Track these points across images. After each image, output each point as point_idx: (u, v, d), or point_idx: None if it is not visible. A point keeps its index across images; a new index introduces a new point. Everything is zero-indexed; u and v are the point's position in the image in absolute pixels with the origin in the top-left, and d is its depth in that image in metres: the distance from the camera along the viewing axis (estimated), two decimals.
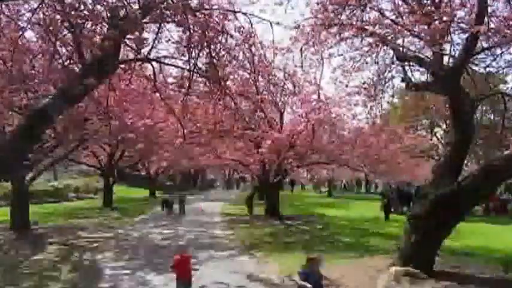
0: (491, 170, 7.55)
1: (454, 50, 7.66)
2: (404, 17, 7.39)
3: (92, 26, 6.96)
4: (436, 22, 6.61)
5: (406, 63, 8.24)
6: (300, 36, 8.06)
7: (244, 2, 7.38)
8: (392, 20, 7.48)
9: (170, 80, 12.06)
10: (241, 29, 7.42)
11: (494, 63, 8.92)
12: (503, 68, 9.64)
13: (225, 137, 15.92)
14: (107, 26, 6.82)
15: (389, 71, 8.64)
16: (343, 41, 8.06)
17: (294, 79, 15.08)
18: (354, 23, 7.66)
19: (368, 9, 7.71)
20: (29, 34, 8.88)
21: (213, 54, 7.35)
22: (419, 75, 9.20)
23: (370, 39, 7.85)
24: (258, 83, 13.96)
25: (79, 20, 6.66)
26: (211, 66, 7.48)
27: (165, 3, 6.60)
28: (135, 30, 6.59)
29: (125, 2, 6.61)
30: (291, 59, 10.63)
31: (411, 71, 8.48)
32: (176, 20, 6.98)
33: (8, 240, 11.45)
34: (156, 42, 7.32)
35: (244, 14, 7.34)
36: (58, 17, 7.06)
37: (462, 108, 7.67)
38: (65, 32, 7.40)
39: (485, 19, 6.91)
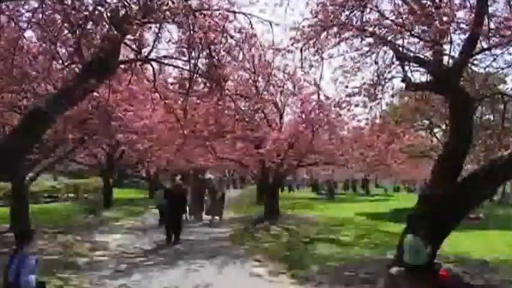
0: (491, 170, 7.56)
1: (454, 50, 7.68)
2: (404, 18, 7.40)
3: (92, 26, 6.97)
4: (436, 22, 6.62)
5: (406, 63, 8.24)
6: (299, 36, 8.07)
7: (244, 3, 7.40)
8: (392, 21, 7.49)
9: (170, 80, 12.09)
10: (242, 29, 7.44)
11: (494, 64, 8.95)
12: (503, 69, 9.68)
13: (225, 137, 15.95)
14: (107, 26, 6.84)
15: (389, 72, 8.65)
16: (343, 41, 8.07)
17: (293, 79, 15.10)
18: (354, 23, 7.68)
19: (368, 9, 7.73)
20: (29, 34, 8.89)
21: (213, 55, 7.37)
22: (419, 75, 9.20)
23: (370, 40, 7.87)
24: (257, 84, 13.99)
25: (79, 20, 6.67)
26: (211, 66, 7.50)
27: (165, 3, 6.61)
28: (135, 30, 6.60)
29: (125, 3, 6.63)
30: (290, 59, 10.64)
31: (411, 71, 8.50)
32: (176, 20, 7.00)
33: None
34: (157, 42, 7.35)
35: (244, 14, 7.36)
36: (58, 17, 7.08)
37: (462, 108, 7.68)
38: (65, 32, 7.41)
39: (485, 20, 6.92)
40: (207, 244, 12.47)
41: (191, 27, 6.93)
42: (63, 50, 8.19)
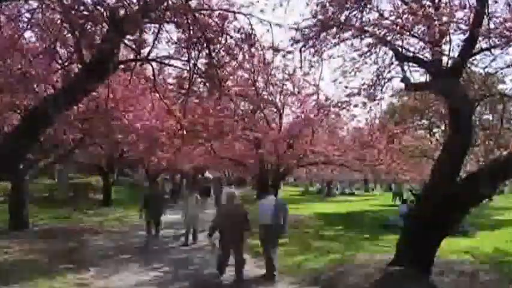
0: (491, 170, 7.58)
1: (453, 50, 7.70)
2: (403, 18, 7.41)
3: (92, 26, 6.98)
4: (436, 23, 6.64)
5: (406, 63, 8.26)
6: (299, 37, 8.08)
7: (244, 3, 7.41)
8: (391, 21, 7.50)
9: (170, 80, 12.10)
10: (241, 29, 7.44)
11: (493, 64, 8.98)
12: (502, 69, 9.68)
13: (225, 137, 15.96)
14: (106, 26, 6.84)
15: (389, 72, 8.66)
16: (343, 42, 8.07)
17: (293, 79, 15.12)
18: (354, 23, 7.68)
19: (367, 9, 7.74)
20: (29, 34, 8.91)
21: (213, 55, 7.38)
22: (418, 75, 9.24)
23: (370, 40, 7.88)
24: (257, 84, 13.99)
25: (79, 20, 6.68)
26: (210, 66, 7.51)
27: (165, 3, 6.62)
28: (135, 31, 6.61)
29: (125, 3, 6.63)
30: (290, 59, 10.66)
31: (410, 72, 8.52)
32: (176, 20, 7.01)
33: None
34: (156, 42, 7.36)
35: (244, 14, 7.37)
36: (58, 17, 7.09)
37: (461, 108, 7.69)
38: (65, 32, 7.42)
39: (485, 20, 6.94)
40: None
41: (190, 27, 6.93)
42: (63, 51, 8.20)
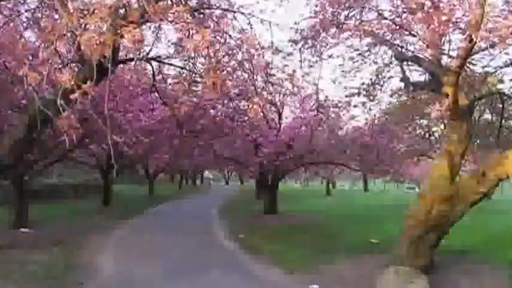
0: (489, 170, 7.58)
1: (452, 50, 7.70)
2: (403, 17, 7.42)
3: (91, 26, 6.96)
4: (435, 22, 6.64)
5: (405, 63, 8.27)
6: (299, 37, 8.09)
7: (243, 3, 7.41)
8: (391, 20, 7.51)
9: (169, 80, 12.09)
10: (241, 29, 7.44)
11: (492, 63, 8.98)
12: (501, 68, 9.68)
13: (224, 137, 15.95)
14: (106, 26, 6.82)
15: (388, 71, 8.68)
16: (342, 42, 8.09)
17: (293, 79, 15.09)
18: (353, 23, 7.69)
19: (366, 9, 7.74)
20: (29, 34, 8.90)
21: (212, 55, 7.36)
22: (418, 75, 9.23)
23: (369, 39, 7.88)
24: (257, 83, 13.96)
25: (79, 20, 6.66)
26: (210, 66, 7.49)
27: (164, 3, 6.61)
28: (134, 30, 6.59)
29: (125, 2, 6.62)
30: (290, 60, 10.66)
31: (410, 71, 8.52)
32: (175, 20, 6.99)
33: None
34: (156, 42, 7.36)
35: (244, 14, 7.36)
36: (57, 16, 7.07)
37: (461, 108, 7.69)
38: (65, 32, 7.40)
39: (484, 19, 6.93)
40: None
41: (190, 27, 6.92)
42: (63, 50, 8.18)
